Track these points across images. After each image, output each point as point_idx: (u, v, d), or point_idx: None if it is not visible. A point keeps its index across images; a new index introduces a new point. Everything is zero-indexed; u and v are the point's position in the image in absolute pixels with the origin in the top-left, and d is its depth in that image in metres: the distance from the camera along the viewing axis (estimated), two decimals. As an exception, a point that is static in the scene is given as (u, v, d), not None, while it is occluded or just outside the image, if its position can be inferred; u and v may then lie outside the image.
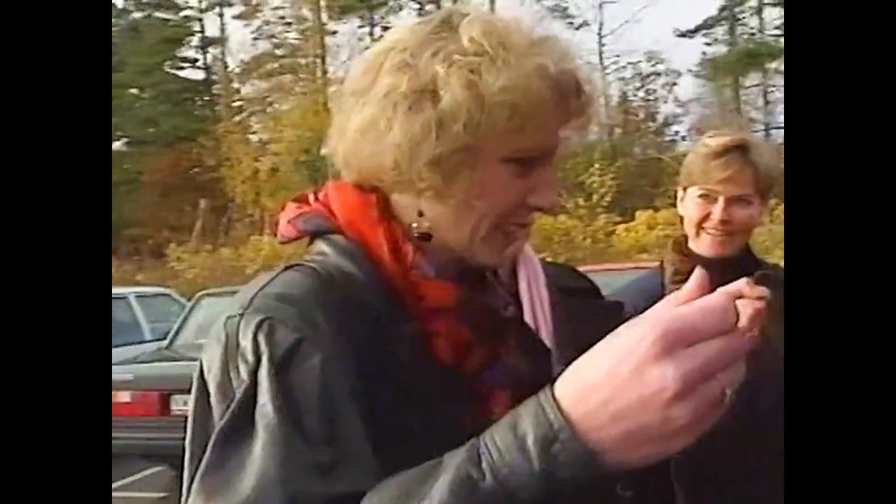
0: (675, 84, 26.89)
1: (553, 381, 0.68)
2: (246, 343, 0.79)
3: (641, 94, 27.04)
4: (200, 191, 22.59)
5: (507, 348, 0.96)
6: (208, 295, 7.52)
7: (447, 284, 0.89)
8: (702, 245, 1.75)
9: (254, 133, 26.12)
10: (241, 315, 0.81)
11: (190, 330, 6.91)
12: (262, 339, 0.79)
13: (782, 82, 26.44)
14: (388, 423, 0.82)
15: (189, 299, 8.37)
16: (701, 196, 1.72)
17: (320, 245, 0.92)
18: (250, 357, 0.79)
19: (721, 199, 1.70)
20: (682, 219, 1.83)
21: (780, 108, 26.41)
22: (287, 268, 0.89)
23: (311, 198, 0.96)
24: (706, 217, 1.72)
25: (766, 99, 26.61)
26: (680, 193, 1.83)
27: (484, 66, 0.83)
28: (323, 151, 0.96)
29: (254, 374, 0.78)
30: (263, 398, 0.77)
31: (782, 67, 26.60)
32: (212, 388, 0.81)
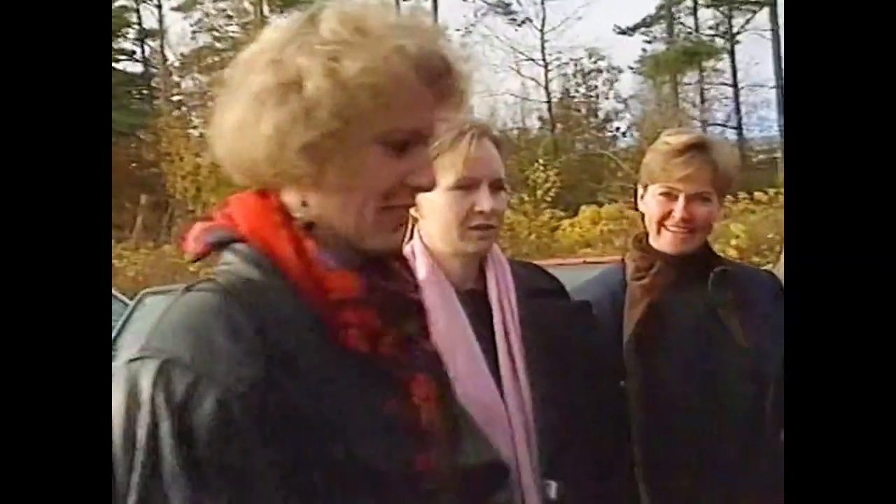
0: (615, 81, 27.23)
1: None
2: (145, 397, 0.80)
3: (583, 90, 27.31)
4: (140, 187, 22.05)
5: (420, 331, 0.99)
6: (152, 293, 7.34)
7: (350, 273, 0.91)
8: (663, 242, 1.78)
9: (194, 128, 25.59)
10: (141, 359, 0.82)
11: (134, 329, 6.75)
12: (159, 395, 0.80)
13: (718, 80, 27.05)
14: (313, 423, 0.84)
15: (131, 298, 8.18)
16: (662, 194, 1.76)
17: (225, 255, 0.94)
18: (148, 418, 0.80)
19: (682, 197, 1.73)
20: (643, 216, 1.86)
21: (717, 105, 27.01)
22: (186, 289, 0.91)
23: (217, 214, 0.98)
24: (668, 214, 1.75)
25: (702, 96, 27.15)
26: (640, 191, 1.86)
27: (342, 52, 0.87)
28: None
29: (154, 437, 0.79)
30: (167, 470, 0.78)
31: (718, 66, 27.23)
32: (116, 435, 0.81)
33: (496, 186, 1.49)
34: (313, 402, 0.84)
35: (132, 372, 0.82)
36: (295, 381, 0.84)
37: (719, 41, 27.28)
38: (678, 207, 1.74)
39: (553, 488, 1.40)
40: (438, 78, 0.91)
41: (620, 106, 26.84)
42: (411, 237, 1.57)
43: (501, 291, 1.52)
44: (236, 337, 0.83)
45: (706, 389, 1.74)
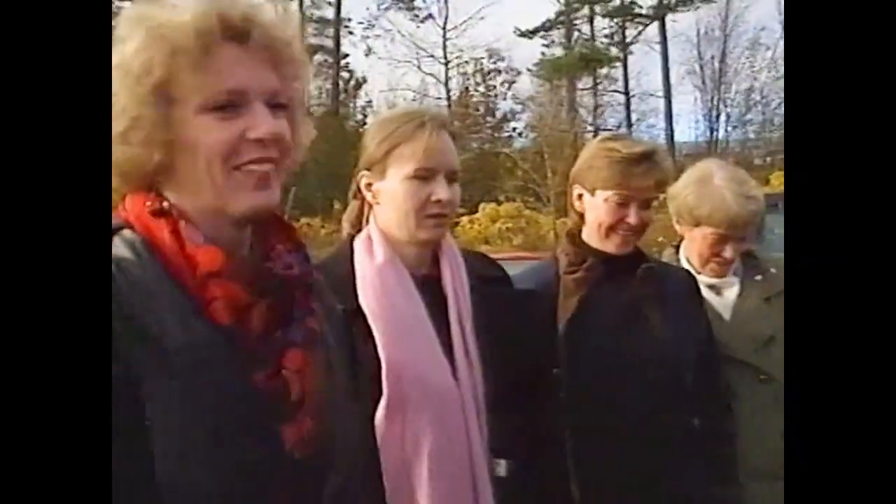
0: (514, 82, 27.71)
1: None
2: None
3: (482, 89, 27.65)
4: None
5: (300, 307, 1.02)
6: None
7: (214, 248, 0.96)
8: (610, 244, 1.87)
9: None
10: None
11: None
12: None
13: (611, 88, 27.91)
14: (180, 398, 0.88)
15: None
16: (615, 201, 1.84)
17: (114, 239, 0.98)
18: None
19: (635, 204, 1.83)
20: (581, 215, 1.93)
21: (609, 111, 27.87)
22: None
23: (120, 206, 1.03)
24: (621, 220, 1.84)
25: (596, 102, 27.98)
26: (580, 192, 1.92)
27: (121, 37, 0.95)
28: None
29: None
30: None
31: (612, 73, 28.09)
32: None
33: (451, 177, 1.55)
34: (180, 380, 0.89)
35: None
36: (160, 358, 0.88)
37: (613, 50, 28.18)
38: (632, 214, 1.83)
39: (503, 466, 1.47)
40: (246, 37, 0.96)
41: (518, 107, 27.35)
42: (366, 223, 1.61)
43: (455, 278, 1.57)
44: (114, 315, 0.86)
45: (630, 375, 1.84)
